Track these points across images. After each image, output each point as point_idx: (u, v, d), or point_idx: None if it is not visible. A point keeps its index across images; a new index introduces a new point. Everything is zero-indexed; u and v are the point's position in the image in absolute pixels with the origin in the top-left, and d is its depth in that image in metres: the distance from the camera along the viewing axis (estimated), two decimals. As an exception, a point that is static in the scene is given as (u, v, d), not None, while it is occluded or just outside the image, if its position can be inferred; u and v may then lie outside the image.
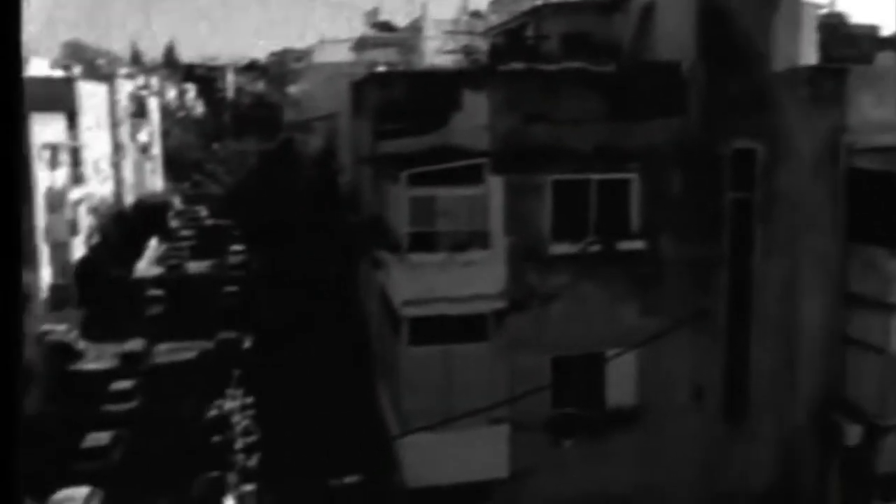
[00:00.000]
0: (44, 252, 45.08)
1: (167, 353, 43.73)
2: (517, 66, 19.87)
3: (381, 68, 25.58)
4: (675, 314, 19.79)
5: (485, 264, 18.32)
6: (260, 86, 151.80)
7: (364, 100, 25.52)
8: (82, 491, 26.54)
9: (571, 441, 19.76)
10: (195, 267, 62.43)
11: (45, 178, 46.74)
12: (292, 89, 78.35)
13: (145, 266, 61.65)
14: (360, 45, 50.53)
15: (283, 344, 28.16)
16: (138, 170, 78.82)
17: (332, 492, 22.65)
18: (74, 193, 50.34)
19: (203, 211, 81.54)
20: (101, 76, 73.36)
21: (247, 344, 43.06)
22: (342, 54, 59.01)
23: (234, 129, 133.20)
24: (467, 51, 24.03)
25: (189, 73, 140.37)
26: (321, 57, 64.97)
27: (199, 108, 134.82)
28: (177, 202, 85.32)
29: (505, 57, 23.95)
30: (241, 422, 15.39)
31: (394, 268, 18.25)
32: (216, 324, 45.79)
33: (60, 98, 54.31)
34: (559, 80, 19.34)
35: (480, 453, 18.50)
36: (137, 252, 62.09)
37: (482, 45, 27.04)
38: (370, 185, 23.24)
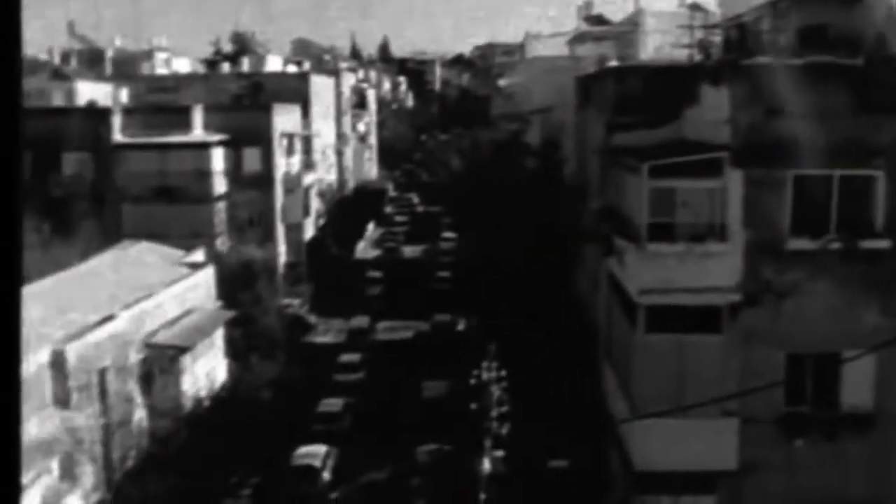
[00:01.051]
0: (280, 232, 49.22)
1: (386, 331, 46.53)
2: (761, 59, 19.82)
3: (613, 63, 26.12)
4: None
5: (722, 257, 18.55)
6: (465, 79, 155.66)
7: (595, 93, 26.19)
8: (321, 449, 29.15)
9: (803, 441, 19.57)
10: (409, 251, 65.67)
11: (282, 164, 50.94)
12: (502, 82, 79.97)
13: (363, 248, 65.61)
14: (578, 39, 51.05)
15: (501, 327, 29.47)
16: (357, 158, 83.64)
17: (550, 471, 23.61)
18: (307, 179, 54.46)
19: (415, 198, 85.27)
20: (327, 70, 78.41)
21: (460, 326, 45.06)
22: (556, 48, 59.79)
23: (441, 120, 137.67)
24: (702, 45, 24.09)
25: (401, 66, 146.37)
26: (534, 51, 66.07)
27: (409, 101, 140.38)
28: (389, 189, 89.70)
29: (740, 51, 23.83)
30: (495, 392, 16.68)
31: (631, 256, 18.89)
32: (431, 306, 48.13)
33: (296, 90, 58.83)
34: (804, 74, 19.14)
35: (709, 444, 18.78)
36: (357, 235, 66.18)
37: (715, 39, 26.92)
38: (600, 175, 23.91)
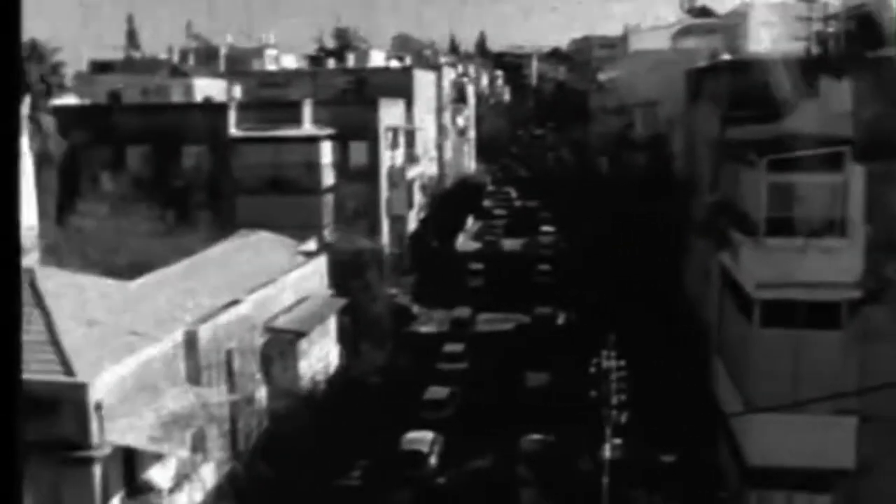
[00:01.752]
0: (384, 224, 50.46)
1: (486, 322, 47.13)
2: (887, 52, 19.48)
3: (725, 56, 25.91)
4: None
5: (842, 252, 18.38)
6: (561, 72, 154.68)
7: (708, 86, 26.05)
8: (428, 435, 29.98)
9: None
10: (508, 244, 66.14)
11: (387, 157, 52.15)
12: (602, 76, 79.37)
13: (463, 241, 66.42)
14: (683, 32, 50.40)
15: (605, 320, 29.64)
16: (456, 152, 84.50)
17: (658, 464, 23.72)
18: (410, 172, 55.57)
19: (512, 192, 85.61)
20: (428, 65, 79.45)
21: (560, 320, 45.31)
22: (659, 42, 59.05)
23: (537, 115, 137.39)
24: (820, 37, 23.69)
25: (498, 61, 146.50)
26: (637, 44, 65.37)
27: (506, 95, 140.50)
28: (488, 183, 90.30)
29: (864, 42, 23.34)
30: (615, 380, 17.05)
31: (747, 250, 18.90)
32: (531, 298, 48.49)
33: (400, 85, 60.00)
34: (933, 67, 18.74)
35: (826, 441, 18.65)
36: (457, 228, 67.03)
37: (832, 30, 26.37)
38: (714, 169, 23.85)
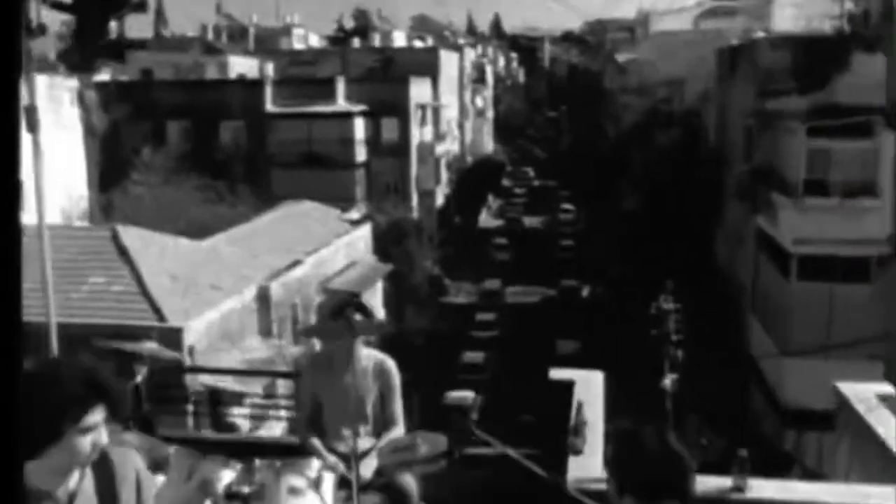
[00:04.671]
0: (414, 198, 52.13)
1: (513, 294, 48.88)
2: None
3: (760, 34, 27.41)
4: None
5: (873, 212, 19.99)
6: (574, 54, 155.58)
7: (743, 62, 27.61)
8: (469, 394, 31.86)
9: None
10: (529, 221, 67.81)
11: (417, 134, 53.75)
12: (620, 58, 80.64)
13: (485, 218, 68.11)
14: (708, 13, 51.75)
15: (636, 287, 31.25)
16: (476, 131, 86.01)
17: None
18: (438, 149, 57.18)
19: (531, 172, 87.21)
20: (450, 45, 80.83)
21: (585, 292, 47.09)
22: (680, 23, 60.35)
23: (550, 97, 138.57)
24: (850, 15, 25.15)
25: (514, 42, 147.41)
26: (658, 25, 66.67)
27: (521, 77, 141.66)
28: (506, 163, 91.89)
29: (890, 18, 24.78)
30: (673, 321, 18.77)
31: (786, 210, 20.53)
32: (555, 272, 50.21)
33: (425, 64, 61.46)
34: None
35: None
36: (478, 205, 68.71)
37: (854, 9, 27.79)
38: (750, 138, 25.39)
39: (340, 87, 50.58)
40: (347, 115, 48.58)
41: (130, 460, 2.90)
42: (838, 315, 20.13)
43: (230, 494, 3.96)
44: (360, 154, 48.62)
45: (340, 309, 4.75)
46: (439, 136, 59.53)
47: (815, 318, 20.08)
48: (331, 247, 30.24)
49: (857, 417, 6.31)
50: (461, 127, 76.13)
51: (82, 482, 2.78)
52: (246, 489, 3.94)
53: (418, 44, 74.33)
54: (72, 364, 2.71)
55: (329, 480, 4.24)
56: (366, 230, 35.27)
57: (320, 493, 4.13)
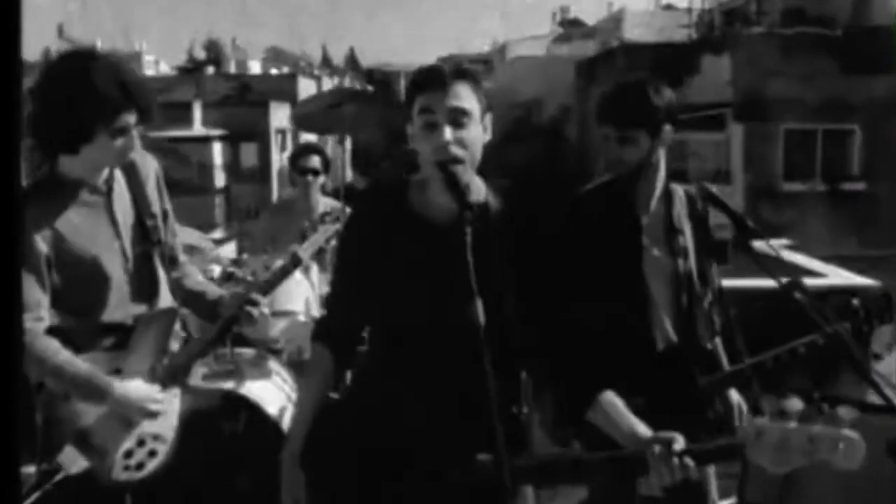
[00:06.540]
0: (278, 223, 51.42)
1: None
2: (758, 29, 22.92)
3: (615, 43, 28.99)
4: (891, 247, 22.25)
5: (727, 197, 21.41)
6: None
7: (600, 72, 29.11)
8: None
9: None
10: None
11: (277, 158, 53.27)
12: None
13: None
14: (560, 39, 54.27)
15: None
16: (335, 159, 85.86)
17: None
18: (300, 173, 56.74)
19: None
20: (307, 75, 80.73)
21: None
22: (535, 49, 62.92)
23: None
24: (699, 24, 27.13)
25: (370, 76, 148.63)
26: (514, 53, 69.03)
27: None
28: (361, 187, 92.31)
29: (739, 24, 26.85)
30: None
31: (650, 198, 21.72)
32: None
33: (284, 92, 61.13)
34: (794, 42, 22.26)
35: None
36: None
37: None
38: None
39: (197, 112, 49.60)
40: (205, 140, 47.66)
41: (150, 162, 3.02)
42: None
43: (227, 275, 3.96)
44: (219, 179, 47.71)
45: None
46: (300, 161, 59.15)
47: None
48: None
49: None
50: (321, 154, 75.87)
51: (115, 179, 2.86)
52: (240, 273, 3.95)
53: (275, 71, 73.85)
54: (104, 62, 2.71)
55: (315, 269, 4.33)
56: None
57: (309, 278, 4.22)
